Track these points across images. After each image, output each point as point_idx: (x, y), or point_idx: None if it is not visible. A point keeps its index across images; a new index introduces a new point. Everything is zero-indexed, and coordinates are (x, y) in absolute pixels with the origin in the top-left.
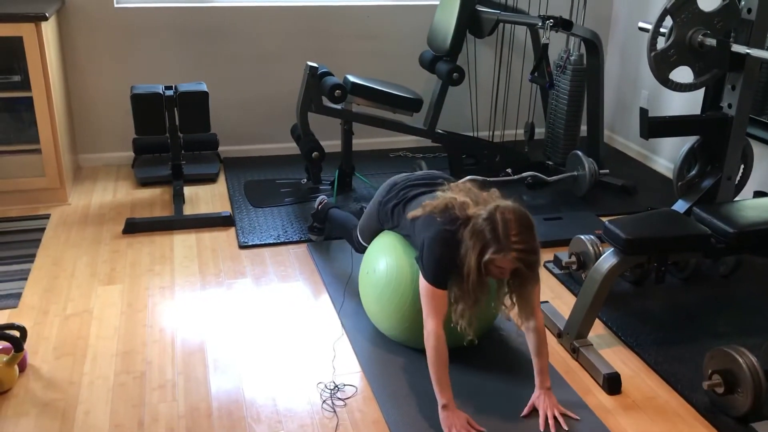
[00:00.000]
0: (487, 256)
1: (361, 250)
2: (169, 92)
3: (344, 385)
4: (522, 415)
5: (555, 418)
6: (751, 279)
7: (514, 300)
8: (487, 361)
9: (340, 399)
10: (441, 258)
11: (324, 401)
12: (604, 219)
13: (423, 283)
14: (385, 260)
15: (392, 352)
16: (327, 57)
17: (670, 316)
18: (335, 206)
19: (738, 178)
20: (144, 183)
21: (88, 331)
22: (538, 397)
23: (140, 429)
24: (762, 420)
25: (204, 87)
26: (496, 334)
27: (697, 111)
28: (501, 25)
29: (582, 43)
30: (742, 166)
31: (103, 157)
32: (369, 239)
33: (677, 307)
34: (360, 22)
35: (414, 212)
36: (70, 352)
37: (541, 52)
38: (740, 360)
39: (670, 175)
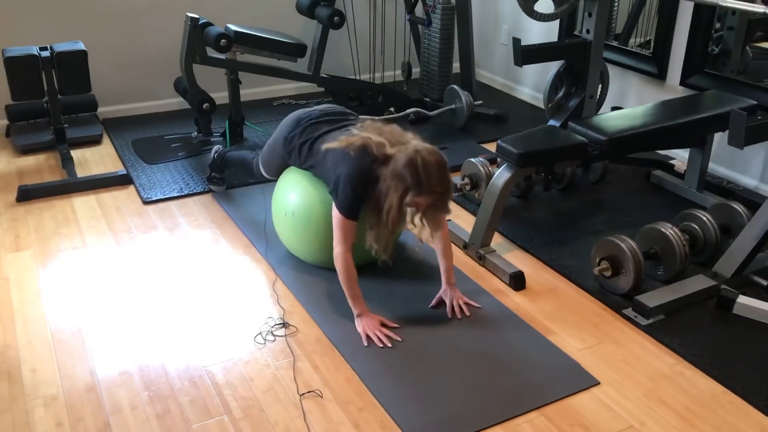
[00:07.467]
0: (408, 199)
1: (263, 176)
2: (45, 53)
3: (288, 323)
4: (430, 306)
5: (460, 307)
6: (615, 183)
7: (424, 223)
8: (395, 271)
9: (284, 328)
10: (356, 194)
11: (270, 332)
12: (484, 145)
13: (336, 213)
14: (296, 199)
15: (319, 278)
16: (202, 9)
17: (555, 220)
18: (229, 150)
19: (598, 96)
20: (25, 150)
21: (9, 297)
22: (444, 291)
23: (93, 377)
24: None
25: (81, 45)
26: (399, 248)
27: (552, 41)
28: None
29: None
30: (600, 86)
31: None
32: (274, 173)
33: (560, 213)
34: None
35: (329, 144)
36: None
37: None
38: (623, 245)
39: (533, 102)
